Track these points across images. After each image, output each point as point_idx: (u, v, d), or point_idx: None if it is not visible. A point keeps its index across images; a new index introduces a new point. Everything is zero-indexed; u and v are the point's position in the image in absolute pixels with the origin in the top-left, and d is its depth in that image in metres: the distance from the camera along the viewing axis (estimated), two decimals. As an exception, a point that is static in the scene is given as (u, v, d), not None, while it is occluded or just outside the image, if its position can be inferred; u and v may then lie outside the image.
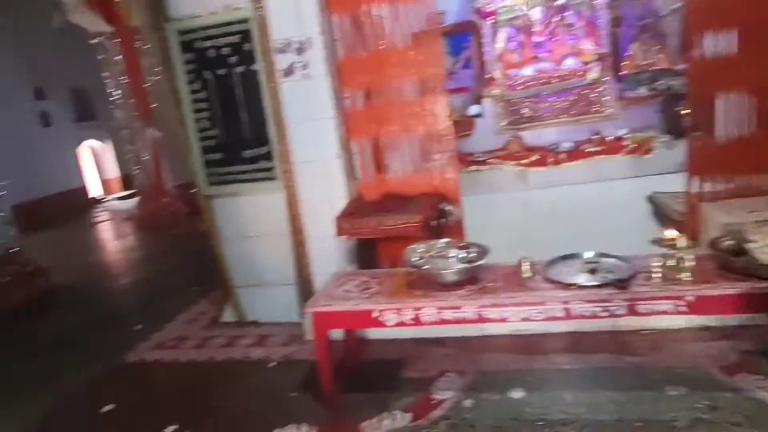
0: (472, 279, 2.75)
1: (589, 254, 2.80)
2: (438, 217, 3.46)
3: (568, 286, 2.58)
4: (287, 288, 3.98)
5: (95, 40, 8.53)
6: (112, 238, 9.17)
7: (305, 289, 3.80)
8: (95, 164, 13.78)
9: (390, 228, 3.30)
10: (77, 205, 12.01)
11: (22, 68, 11.44)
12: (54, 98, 12.28)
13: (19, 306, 5.47)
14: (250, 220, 4.00)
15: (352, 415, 2.75)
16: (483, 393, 2.78)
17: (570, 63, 5.23)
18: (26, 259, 5.94)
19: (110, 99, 9.25)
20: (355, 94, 3.63)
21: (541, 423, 2.48)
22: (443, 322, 2.68)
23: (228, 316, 4.27)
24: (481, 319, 2.61)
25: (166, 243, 7.74)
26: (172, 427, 2.92)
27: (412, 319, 2.69)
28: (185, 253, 6.72)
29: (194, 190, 4.11)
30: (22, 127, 11.26)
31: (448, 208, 3.55)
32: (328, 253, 3.64)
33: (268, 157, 3.86)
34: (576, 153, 5.08)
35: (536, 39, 5.30)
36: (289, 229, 3.83)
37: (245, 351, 3.73)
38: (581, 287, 2.56)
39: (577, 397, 2.63)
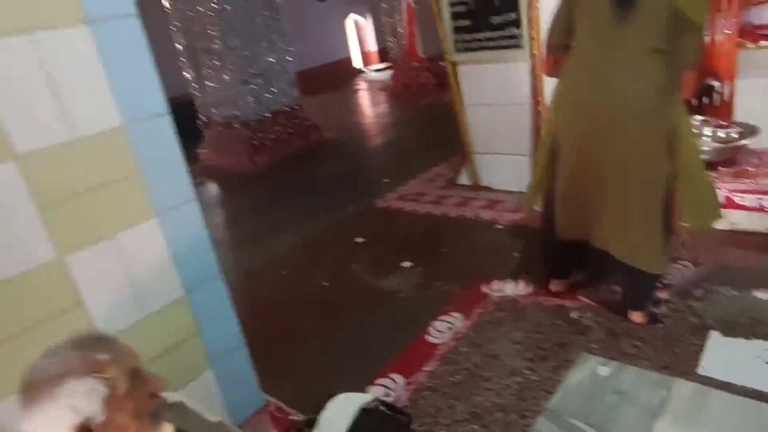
0: (728, 161, 2.47)
1: None
2: (700, 95, 3.06)
3: None
4: (521, 158, 4.07)
5: None
6: (368, 104, 10.21)
7: (539, 160, 3.84)
8: (358, 38, 14.99)
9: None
10: (342, 75, 13.47)
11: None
12: (328, -26, 13.38)
13: (297, 152, 6.73)
14: (492, 88, 4.08)
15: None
16: (718, 287, 2.59)
17: None
18: (304, 116, 7.12)
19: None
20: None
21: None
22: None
23: (463, 179, 4.60)
24: (730, 205, 2.37)
25: (414, 111, 8.35)
26: (408, 263, 3.45)
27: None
28: (430, 121, 7.23)
29: (441, 62, 4.30)
30: (302, 1, 12.68)
31: (715, 84, 3.10)
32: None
33: (515, 23, 3.79)
34: None
35: None
36: (530, 99, 3.84)
37: (476, 211, 4.04)
38: None
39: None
